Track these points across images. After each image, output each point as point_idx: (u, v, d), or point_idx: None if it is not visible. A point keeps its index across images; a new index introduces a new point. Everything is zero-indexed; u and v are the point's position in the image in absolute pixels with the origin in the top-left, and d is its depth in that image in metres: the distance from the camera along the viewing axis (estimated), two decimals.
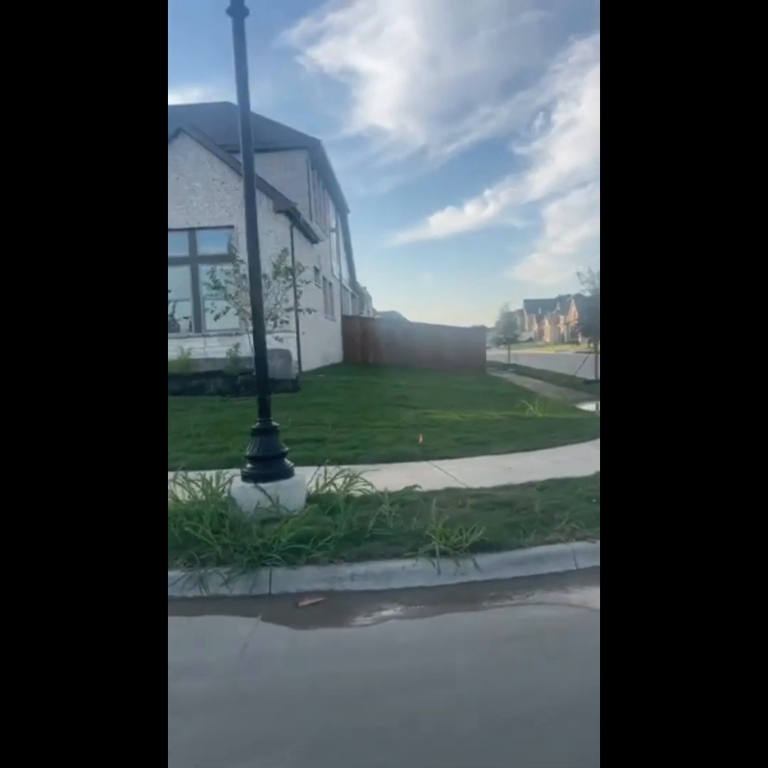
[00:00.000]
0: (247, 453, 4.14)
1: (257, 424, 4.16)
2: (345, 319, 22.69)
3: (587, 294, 22.10)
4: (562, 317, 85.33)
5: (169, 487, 4.02)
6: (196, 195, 12.07)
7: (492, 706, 2.20)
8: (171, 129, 12.44)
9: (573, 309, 63.12)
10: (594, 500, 4.13)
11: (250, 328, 10.36)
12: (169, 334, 12.57)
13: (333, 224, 22.09)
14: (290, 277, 10.20)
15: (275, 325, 10.33)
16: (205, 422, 7.93)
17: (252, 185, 4.16)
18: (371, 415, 8.36)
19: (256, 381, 4.24)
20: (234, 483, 4.09)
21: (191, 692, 2.31)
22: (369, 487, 4.34)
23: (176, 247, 12.33)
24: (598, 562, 3.40)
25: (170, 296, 12.90)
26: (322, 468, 4.63)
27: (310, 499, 4.25)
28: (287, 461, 4.21)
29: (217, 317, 10.40)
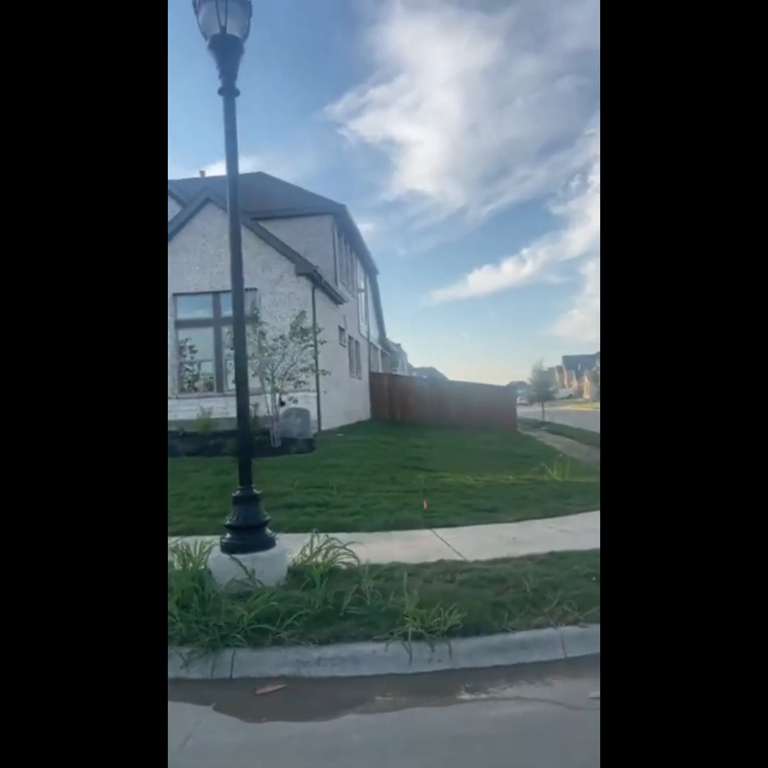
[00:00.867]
0: (227, 522, 4.03)
1: (237, 491, 4.07)
2: (372, 376, 22.78)
3: None
4: None
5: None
6: (221, 260, 12.48)
7: None
8: (200, 199, 13.07)
9: None
10: (594, 579, 3.83)
11: (268, 388, 10.52)
12: (193, 394, 12.79)
13: (361, 285, 22.54)
14: (305, 338, 10.31)
15: (296, 386, 10.40)
16: (214, 484, 7.87)
17: (238, 253, 4.21)
18: (381, 477, 8.17)
19: (238, 447, 4.16)
20: (212, 553, 3.96)
21: None
22: (353, 561, 4.15)
23: (201, 309, 12.70)
24: (589, 651, 3.11)
25: (195, 357, 13.21)
26: (311, 537, 4.47)
27: (294, 570, 4.08)
28: (268, 531, 4.07)
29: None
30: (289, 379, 9.81)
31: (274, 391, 10.24)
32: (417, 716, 2.67)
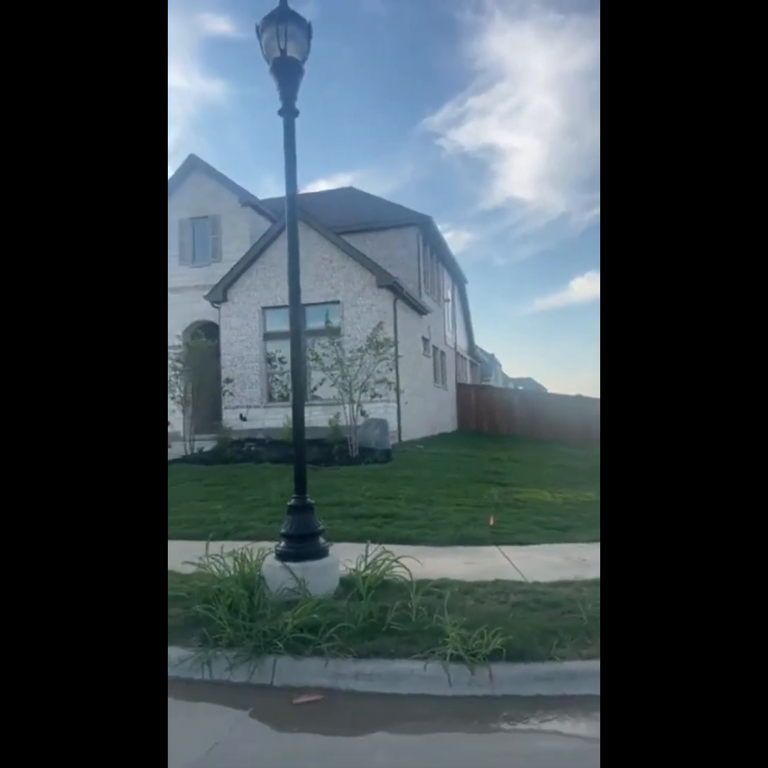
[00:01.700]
0: (282, 530, 4.12)
1: (292, 500, 4.15)
2: (460, 387, 22.54)
3: None
4: None
5: (209, 562, 4.08)
6: (306, 275, 12.89)
7: None
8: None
9: None
10: None
11: (348, 398, 10.71)
12: (279, 403, 13.25)
13: (448, 295, 22.43)
14: (380, 350, 10.40)
15: (372, 397, 10.50)
16: (291, 491, 8.07)
17: (296, 269, 4.32)
18: (454, 491, 8.03)
19: (294, 455, 4.25)
20: (267, 560, 4.06)
21: None
22: (407, 574, 4.09)
23: (287, 322, 13.15)
24: None
25: (283, 367, 13.69)
26: (366, 548, 4.46)
27: (347, 581, 4.09)
28: (321, 540, 4.12)
29: (314, 388, 10.81)
30: (364, 390, 9.93)
31: (352, 401, 10.41)
32: (445, 742, 2.57)
